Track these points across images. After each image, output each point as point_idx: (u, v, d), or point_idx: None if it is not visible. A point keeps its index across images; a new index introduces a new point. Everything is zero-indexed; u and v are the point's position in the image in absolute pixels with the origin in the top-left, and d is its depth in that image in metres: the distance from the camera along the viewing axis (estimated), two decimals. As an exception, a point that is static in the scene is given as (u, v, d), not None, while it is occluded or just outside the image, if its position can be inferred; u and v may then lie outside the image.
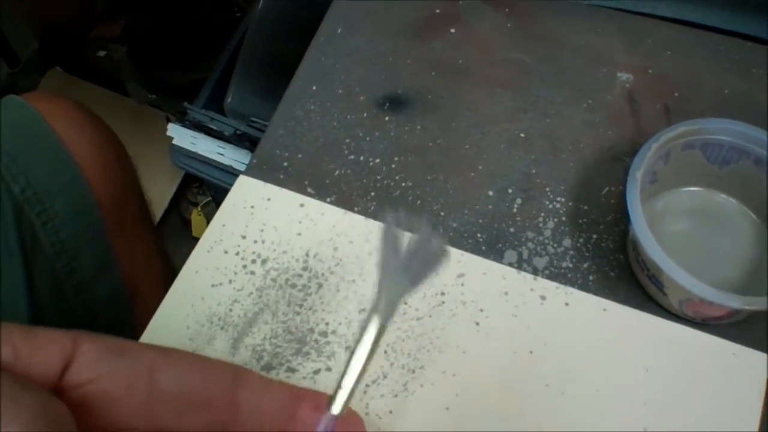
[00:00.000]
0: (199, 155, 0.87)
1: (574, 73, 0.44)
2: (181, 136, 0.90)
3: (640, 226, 0.33)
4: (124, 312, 0.61)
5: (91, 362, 0.26)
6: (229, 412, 0.28)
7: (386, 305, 0.26)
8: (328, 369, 0.36)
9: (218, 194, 1.04)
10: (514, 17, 0.47)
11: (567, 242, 0.39)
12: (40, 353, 0.26)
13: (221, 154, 0.87)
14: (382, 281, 0.26)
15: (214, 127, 0.85)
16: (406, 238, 0.26)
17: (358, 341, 0.26)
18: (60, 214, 0.56)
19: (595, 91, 0.44)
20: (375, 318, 0.26)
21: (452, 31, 0.47)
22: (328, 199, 0.42)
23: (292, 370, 0.36)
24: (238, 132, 0.82)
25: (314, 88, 0.46)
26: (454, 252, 0.39)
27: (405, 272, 0.25)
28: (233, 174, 0.84)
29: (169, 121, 0.94)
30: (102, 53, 1.39)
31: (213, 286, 0.39)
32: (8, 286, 0.52)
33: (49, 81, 1.40)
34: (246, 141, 0.83)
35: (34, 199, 0.55)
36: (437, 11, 0.48)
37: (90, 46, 1.40)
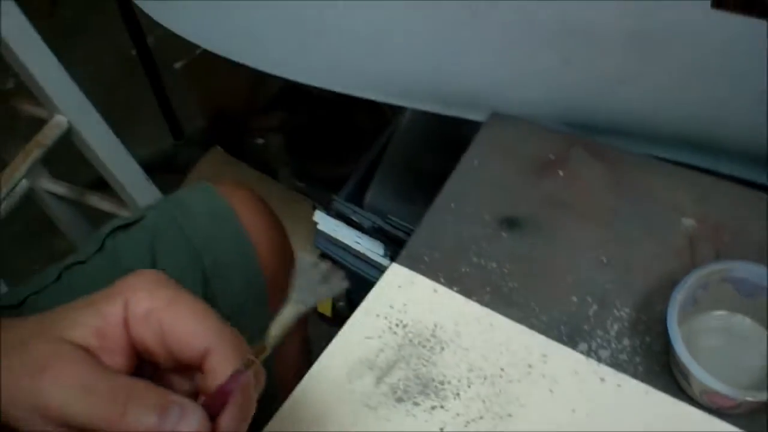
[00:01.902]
0: (339, 242, 1.04)
1: (650, 215, 0.59)
2: (325, 222, 1.07)
3: (674, 334, 0.47)
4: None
5: None
6: None
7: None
8: (442, 407, 0.51)
9: (350, 277, 1.20)
10: (609, 165, 0.62)
11: (626, 341, 0.53)
12: None
13: (358, 243, 1.04)
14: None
15: (355, 219, 1.02)
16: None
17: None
18: (236, 287, 0.73)
19: (665, 231, 0.58)
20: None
21: (560, 173, 0.63)
22: (455, 288, 0.57)
23: (416, 404, 0.51)
24: (376, 226, 0.99)
25: (452, 205, 0.62)
26: (542, 338, 0.53)
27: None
28: (366, 262, 1.00)
29: (315, 208, 1.11)
30: (260, 141, 1.61)
31: (366, 338, 0.55)
32: None
33: (210, 157, 1.62)
34: (381, 235, 0.99)
35: (218, 272, 0.72)
36: (551, 157, 0.64)
37: (250, 133, 1.62)
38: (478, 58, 0.66)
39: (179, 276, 0.66)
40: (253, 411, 0.38)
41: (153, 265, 0.69)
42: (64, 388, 0.36)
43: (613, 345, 0.53)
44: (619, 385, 0.51)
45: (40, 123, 1.08)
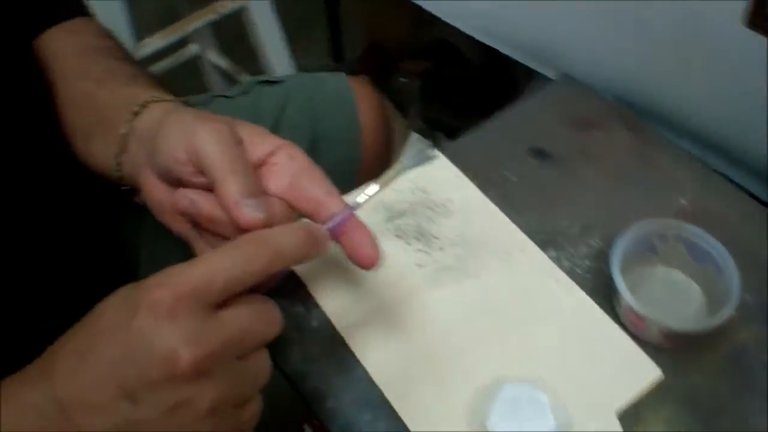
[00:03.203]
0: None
1: (654, 185, 0.71)
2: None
3: (615, 258, 0.59)
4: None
5: None
6: None
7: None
8: (426, 253, 0.66)
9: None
10: (637, 137, 0.75)
11: (587, 262, 0.66)
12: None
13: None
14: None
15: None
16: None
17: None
18: (334, 158, 0.88)
19: (660, 201, 0.70)
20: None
21: (596, 132, 0.76)
22: (474, 181, 0.71)
23: (408, 243, 0.66)
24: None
25: (498, 125, 0.77)
26: (525, 236, 0.67)
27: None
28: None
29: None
30: (403, 80, 1.78)
31: (393, 189, 0.70)
32: None
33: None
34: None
35: (324, 142, 0.88)
36: (593, 118, 0.77)
37: (397, 71, 1.78)
38: (566, 25, 0.80)
39: (292, 134, 0.83)
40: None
41: (277, 118, 0.87)
42: (214, 138, 0.51)
43: (576, 261, 0.66)
44: (565, 287, 0.63)
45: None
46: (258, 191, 0.51)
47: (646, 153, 0.74)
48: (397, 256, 0.65)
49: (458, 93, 1.62)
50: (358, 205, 0.52)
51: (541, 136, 0.76)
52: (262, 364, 0.45)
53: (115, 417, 0.41)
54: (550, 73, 0.87)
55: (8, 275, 0.58)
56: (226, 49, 1.65)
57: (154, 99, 0.59)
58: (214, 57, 1.61)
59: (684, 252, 0.63)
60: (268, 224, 0.49)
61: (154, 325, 0.40)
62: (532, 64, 0.88)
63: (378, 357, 0.60)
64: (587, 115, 0.77)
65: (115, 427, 0.41)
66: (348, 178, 0.88)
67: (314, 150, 0.86)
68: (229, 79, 1.62)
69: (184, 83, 1.81)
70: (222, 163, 0.50)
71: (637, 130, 0.76)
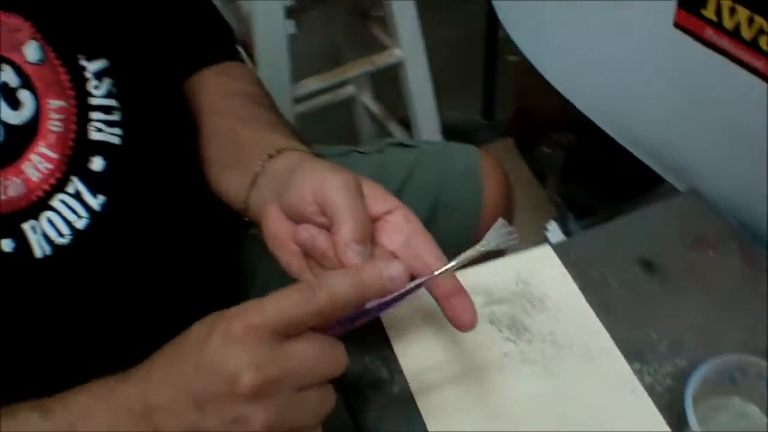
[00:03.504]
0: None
1: (754, 320, 0.71)
2: (553, 234, 1.25)
3: (688, 391, 0.60)
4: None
5: None
6: None
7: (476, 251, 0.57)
8: (514, 342, 0.68)
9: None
10: (750, 266, 0.74)
11: (669, 381, 0.66)
12: None
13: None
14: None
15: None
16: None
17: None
18: (453, 225, 0.93)
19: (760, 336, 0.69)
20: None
21: (710, 253, 0.76)
22: (577, 282, 0.73)
23: (499, 330, 0.69)
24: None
25: (615, 229, 0.78)
26: (612, 344, 0.68)
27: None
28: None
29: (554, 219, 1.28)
30: (547, 150, 1.79)
31: (496, 275, 0.73)
32: None
33: (500, 143, 1.83)
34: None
35: (444, 211, 0.93)
36: (710, 238, 0.77)
37: (543, 140, 1.80)
38: (698, 142, 0.81)
39: (415, 197, 0.89)
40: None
41: (404, 181, 0.92)
42: (341, 186, 0.57)
43: (658, 378, 0.67)
44: (639, 401, 0.65)
45: (382, 48, 1.36)
46: (368, 240, 0.57)
47: (756, 282, 0.73)
48: (486, 341, 0.69)
49: (598, 175, 1.62)
50: (434, 276, 0.56)
51: (653, 248, 0.77)
52: (322, 399, 0.51)
53: (185, 423, 0.48)
54: (679, 185, 0.88)
55: (131, 284, 0.66)
56: (380, 94, 1.73)
57: (290, 147, 0.66)
58: (368, 100, 1.69)
59: (764, 391, 0.62)
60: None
61: (223, 349, 0.47)
62: (663, 173, 0.89)
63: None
64: (705, 234, 0.78)
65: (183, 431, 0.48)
66: (462, 247, 0.91)
67: (434, 216, 0.90)
68: (378, 123, 1.70)
69: (337, 119, 1.91)
70: (343, 209, 0.56)
71: (752, 258, 0.75)
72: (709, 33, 0.74)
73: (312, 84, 1.34)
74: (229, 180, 0.70)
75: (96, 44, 0.64)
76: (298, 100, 1.34)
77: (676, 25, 0.77)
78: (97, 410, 0.50)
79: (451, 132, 2.03)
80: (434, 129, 1.49)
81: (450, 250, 0.90)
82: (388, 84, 1.61)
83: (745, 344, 0.68)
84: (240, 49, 0.89)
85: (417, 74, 1.38)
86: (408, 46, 1.33)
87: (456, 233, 0.92)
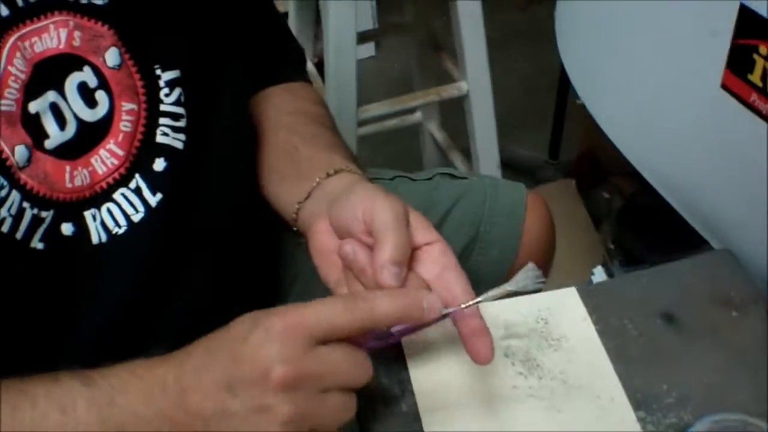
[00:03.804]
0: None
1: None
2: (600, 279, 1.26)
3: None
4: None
5: None
6: None
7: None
8: (525, 376, 0.71)
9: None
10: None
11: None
12: None
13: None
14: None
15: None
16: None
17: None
18: (487, 260, 0.96)
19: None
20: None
21: (734, 313, 0.77)
22: (596, 327, 0.76)
23: (512, 364, 0.72)
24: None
25: (644, 281, 0.80)
26: (620, 390, 0.70)
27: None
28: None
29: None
30: (606, 195, 1.80)
31: (519, 312, 0.76)
32: None
33: (560, 183, 1.84)
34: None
35: (485, 241, 0.96)
36: (734, 298, 0.78)
37: (604, 185, 1.81)
38: (735, 201, 0.82)
39: (456, 228, 0.92)
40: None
41: (448, 211, 0.96)
42: (390, 210, 0.62)
43: (661, 428, 0.68)
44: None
45: (449, 79, 1.40)
46: (405, 264, 0.61)
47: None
48: (498, 372, 0.71)
49: (652, 225, 1.62)
50: (461, 309, 0.61)
51: (678, 302, 0.78)
52: (345, 404, 0.55)
53: (215, 403, 0.53)
54: (715, 243, 0.89)
55: (176, 278, 0.71)
56: (446, 123, 1.77)
57: (347, 169, 0.72)
58: (434, 129, 1.73)
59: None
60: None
61: (263, 342, 0.52)
62: (701, 230, 0.90)
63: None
64: (731, 295, 0.79)
65: (213, 411, 0.53)
66: (494, 284, 0.94)
67: (471, 249, 0.94)
68: (442, 151, 1.74)
69: (403, 144, 1.96)
70: (387, 230, 0.61)
71: (775, 322, 0.77)
72: (754, 98, 0.76)
73: (376, 109, 1.39)
74: (285, 190, 0.76)
75: (171, 55, 0.70)
76: (362, 123, 1.39)
77: (723, 86, 0.79)
78: (135, 385, 0.55)
79: (514, 167, 2.06)
80: (493, 163, 1.52)
81: (481, 285, 0.93)
82: (456, 114, 1.65)
83: (753, 407, 0.70)
84: (313, 67, 0.95)
85: (481, 108, 1.42)
86: (474, 80, 1.37)
87: (491, 268, 0.94)
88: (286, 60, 0.92)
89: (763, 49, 0.72)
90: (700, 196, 0.89)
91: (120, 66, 0.66)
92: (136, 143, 0.67)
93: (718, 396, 0.70)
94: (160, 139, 0.69)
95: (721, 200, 0.85)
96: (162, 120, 0.69)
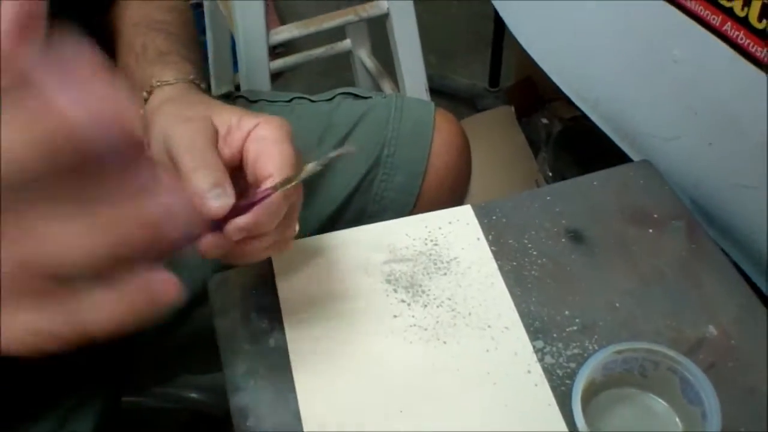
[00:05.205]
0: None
1: (687, 302, 0.64)
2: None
3: (578, 380, 0.54)
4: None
5: None
6: None
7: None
8: (408, 305, 0.62)
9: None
10: (693, 247, 0.67)
11: (573, 365, 0.60)
12: None
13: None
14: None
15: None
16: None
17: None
18: (393, 184, 0.87)
19: (688, 323, 0.62)
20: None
21: (650, 231, 0.69)
22: (492, 248, 0.67)
23: (395, 290, 0.63)
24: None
25: (548, 198, 0.71)
26: (516, 317, 0.62)
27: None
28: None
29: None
30: (545, 121, 1.72)
31: (406, 234, 0.67)
32: None
33: (499, 111, 1.75)
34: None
35: (388, 165, 0.86)
36: (654, 215, 0.70)
37: (542, 111, 1.73)
38: (651, 111, 0.73)
39: (361, 146, 0.82)
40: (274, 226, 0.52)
41: (348, 133, 0.85)
42: (187, 138, 0.53)
43: (561, 360, 0.60)
44: (535, 385, 0.58)
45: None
46: (223, 182, 0.51)
47: (693, 268, 0.66)
48: (377, 300, 0.63)
49: (590, 149, 1.54)
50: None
51: (587, 218, 0.70)
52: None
53: None
54: (636, 156, 0.80)
55: None
56: (377, 50, 1.66)
57: (159, 83, 0.60)
58: (364, 56, 1.62)
59: (676, 386, 0.56)
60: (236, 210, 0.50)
61: None
62: (619, 142, 0.82)
63: (315, 397, 0.57)
64: (648, 210, 0.70)
65: None
66: (401, 210, 0.85)
67: (374, 173, 0.84)
68: (374, 80, 1.63)
69: (335, 74, 1.85)
70: (189, 162, 0.51)
71: (695, 241, 0.68)
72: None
73: (289, 31, 1.28)
74: None
75: None
76: (280, 54, 1.27)
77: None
78: None
79: (454, 96, 1.97)
80: (421, 86, 1.41)
81: (386, 214, 0.84)
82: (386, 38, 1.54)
83: (668, 335, 0.62)
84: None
85: (403, 28, 1.31)
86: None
87: (396, 195, 0.85)
88: None
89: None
90: (618, 103, 0.80)
91: None
92: None
93: (629, 323, 0.62)
94: None
95: (641, 107, 0.76)
96: None
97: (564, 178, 1.50)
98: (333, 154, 0.52)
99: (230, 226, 0.50)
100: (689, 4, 0.64)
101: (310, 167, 0.51)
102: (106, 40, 0.72)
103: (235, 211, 0.50)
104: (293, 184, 0.51)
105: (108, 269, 0.29)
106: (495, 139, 1.65)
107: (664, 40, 0.68)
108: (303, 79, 1.92)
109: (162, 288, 0.31)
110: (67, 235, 0.28)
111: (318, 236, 0.67)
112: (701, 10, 0.63)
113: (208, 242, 0.50)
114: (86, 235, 0.28)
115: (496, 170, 1.54)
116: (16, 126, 0.25)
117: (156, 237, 0.29)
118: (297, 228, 0.57)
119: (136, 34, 0.69)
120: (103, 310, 0.30)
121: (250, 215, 0.50)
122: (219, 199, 0.49)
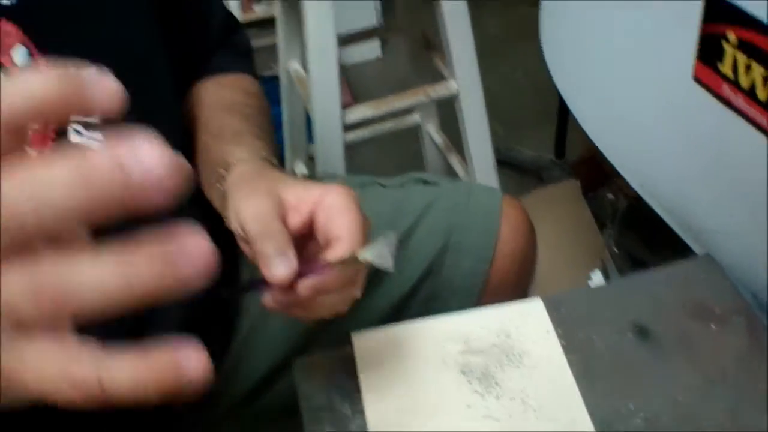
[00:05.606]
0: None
1: (744, 405, 0.66)
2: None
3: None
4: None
5: None
6: None
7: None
8: (481, 395, 0.66)
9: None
10: (754, 344, 0.70)
11: None
12: None
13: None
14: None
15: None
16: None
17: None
18: (461, 269, 0.90)
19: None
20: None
21: (713, 326, 0.72)
22: (561, 342, 0.71)
23: (469, 382, 0.67)
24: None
25: (616, 293, 0.75)
26: (586, 415, 0.65)
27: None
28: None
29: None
30: (611, 197, 1.74)
31: (481, 327, 0.71)
32: None
33: (564, 185, 1.78)
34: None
35: (456, 251, 0.91)
36: (716, 310, 0.73)
37: (609, 185, 1.75)
38: (715, 203, 0.77)
39: (426, 237, 0.87)
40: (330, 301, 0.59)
41: (418, 218, 0.90)
42: (253, 210, 0.59)
43: (629, 452, 0.63)
44: None
45: (440, 78, 1.35)
46: (287, 248, 0.56)
47: (755, 363, 0.69)
48: (452, 391, 0.67)
49: (656, 228, 1.57)
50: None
51: (652, 313, 0.73)
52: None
53: None
54: (698, 249, 0.84)
55: None
56: (447, 125, 1.72)
57: (236, 161, 0.68)
58: (432, 130, 1.69)
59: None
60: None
61: None
62: (682, 234, 0.85)
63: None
64: (710, 305, 0.74)
65: None
66: (469, 294, 0.89)
67: (442, 258, 0.89)
68: (442, 153, 1.69)
69: (404, 143, 1.91)
70: (258, 236, 0.57)
71: (758, 338, 0.71)
72: (726, 89, 0.71)
73: (362, 112, 1.35)
74: (212, 197, 0.71)
75: (86, 54, 0.66)
76: (351, 127, 1.34)
77: (695, 78, 0.74)
78: None
79: (520, 168, 2.02)
80: (488, 163, 1.46)
81: (454, 299, 0.88)
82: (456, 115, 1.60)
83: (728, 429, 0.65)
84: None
85: (471, 107, 1.37)
86: (463, 79, 1.32)
87: (464, 281, 0.89)
88: (222, 51, 0.87)
89: (731, 36, 0.67)
90: (679, 197, 0.84)
91: (29, 65, 0.63)
92: (49, 143, 0.64)
93: (690, 418, 0.65)
94: (74, 138, 0.65)
95: (702, 202, 0.80)
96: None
97: (630, 256, 1.54)
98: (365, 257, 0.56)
99: (301, 283, 0.55)
100: (749, 112, 0.68)
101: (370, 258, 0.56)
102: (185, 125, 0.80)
103: (303, 273, 0.55)
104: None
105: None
106: (561, 213, 1.68)
107: (727, 142, 0.72)
108: (373, 148, 2.00)
109: (191, 364, 0.29)
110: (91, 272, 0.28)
111: (397, 325, 0.72)
112: (757, 116, 0.67)
113: (273, 296, 0.56)
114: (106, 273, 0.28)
115: (562, 246, 1.57)
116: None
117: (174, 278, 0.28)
118: (360, 292, 0.62)
119: (213, 115, 0.76)
120: (127, 372, 0.29)
121: (323, 276, 0.56)
122: (282, 265, 0.55)
